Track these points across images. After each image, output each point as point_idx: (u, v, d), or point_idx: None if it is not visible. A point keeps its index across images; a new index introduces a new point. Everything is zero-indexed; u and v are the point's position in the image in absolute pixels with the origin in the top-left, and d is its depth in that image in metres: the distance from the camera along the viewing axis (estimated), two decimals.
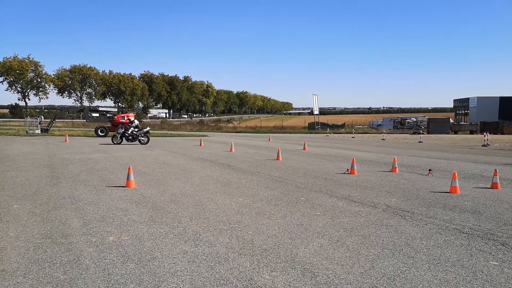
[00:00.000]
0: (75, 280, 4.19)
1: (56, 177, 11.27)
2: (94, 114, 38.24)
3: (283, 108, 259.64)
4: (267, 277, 4.31)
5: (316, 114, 62.00)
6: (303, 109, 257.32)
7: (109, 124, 37.04)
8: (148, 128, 26.12)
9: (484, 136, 29.22)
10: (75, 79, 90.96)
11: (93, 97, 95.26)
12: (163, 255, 4.93)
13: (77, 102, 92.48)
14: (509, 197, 8.89)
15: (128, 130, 25.05)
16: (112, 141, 25.44)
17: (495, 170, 10.25)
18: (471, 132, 49.29)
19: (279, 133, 52.89)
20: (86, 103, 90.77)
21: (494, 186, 9.99)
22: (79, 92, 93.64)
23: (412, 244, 5.46)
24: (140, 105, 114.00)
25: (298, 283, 4.15)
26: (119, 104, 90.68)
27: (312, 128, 58.60)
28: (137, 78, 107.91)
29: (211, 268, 4.54)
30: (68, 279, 4.21)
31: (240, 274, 4.39)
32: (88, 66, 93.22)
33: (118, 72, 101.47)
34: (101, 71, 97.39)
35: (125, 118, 36.67)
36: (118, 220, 6.62)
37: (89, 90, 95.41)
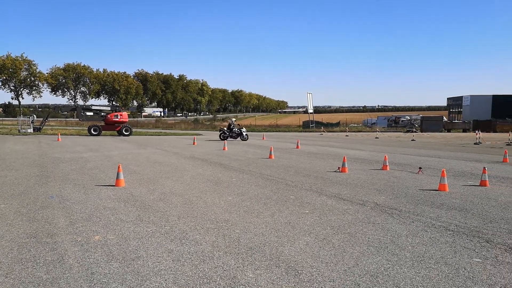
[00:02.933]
0: (58, 279, 4.17)
1: (46, 176, 11.20)
2: (87, 113, 38.04)
3: (278, 107, 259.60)
4: (250, 275, 4.32)
5: (310, 113, 62.08)
6: (298, 107, 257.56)
7: (102, 123, 36.88)
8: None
9: (476, 134, 29.40)
10: (68, 78, 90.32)
11: (87, 95, 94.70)
12: (148, 254, 4.92)
13: (70, 101, 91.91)
14: (496, 194, 8.96)
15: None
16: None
17: (484, 168, 10.31)
18: (464, 130, 49.56)
19: (273, 131, 52.90)
20: (80, 102, 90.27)
21: (482, 183, 10.07)
22: (73, 91, 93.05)
23: (398, 241, 5.49)
24: (135, 103, 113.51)
25: (281, 281, 4.16)
26: (114, 103, 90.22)
27: (306, 126, 58.69)
28: (132, 76, 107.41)
29: (195, 267, 4.53)
30: (51, 279, 4.18)
31: (224, 272, 4.39)
32: (82, 64, 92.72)
33: (112, 70, 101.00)
34: (95, 70, 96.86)
35: (118, 117, 36.56)
36: (105, 219, 6.59)
37: (83, 88, 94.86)
